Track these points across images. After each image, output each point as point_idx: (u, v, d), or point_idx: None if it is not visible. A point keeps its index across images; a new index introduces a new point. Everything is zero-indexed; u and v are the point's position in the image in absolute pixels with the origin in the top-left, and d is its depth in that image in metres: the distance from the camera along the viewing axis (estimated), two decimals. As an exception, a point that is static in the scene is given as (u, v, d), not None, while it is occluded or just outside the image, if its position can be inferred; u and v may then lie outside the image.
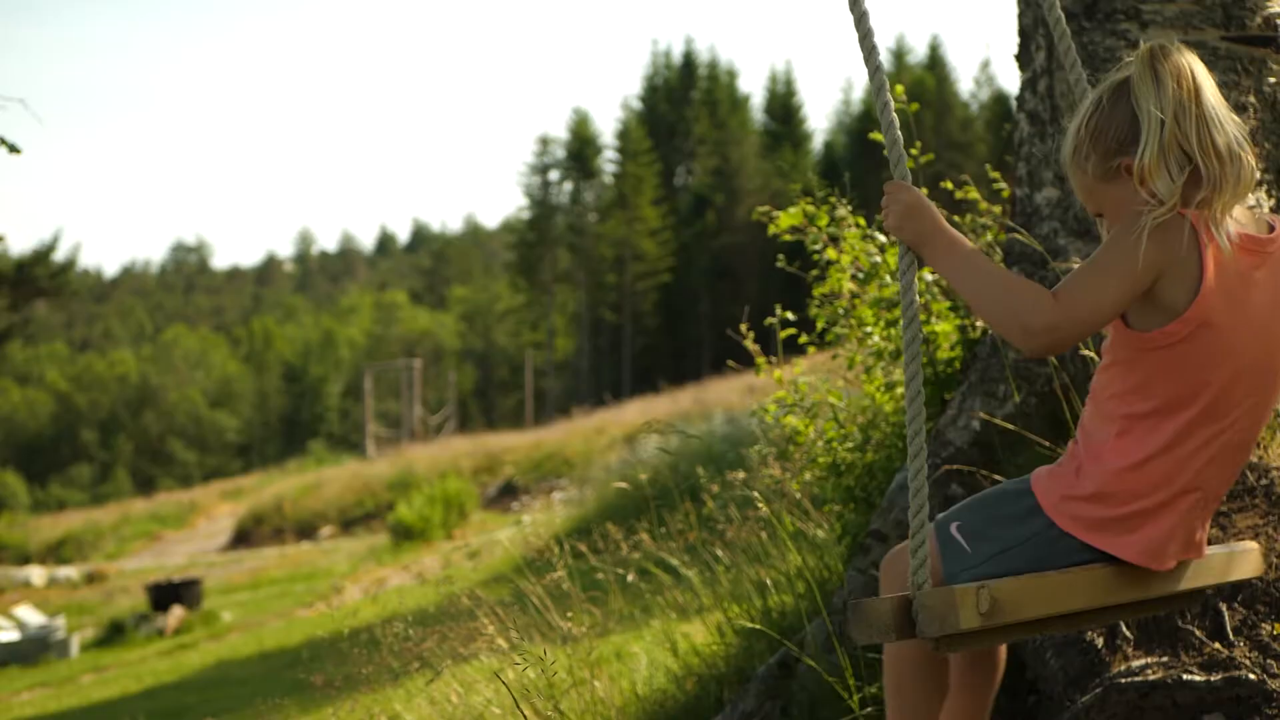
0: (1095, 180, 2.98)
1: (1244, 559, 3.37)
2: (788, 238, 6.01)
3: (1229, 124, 2.86)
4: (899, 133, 3.01)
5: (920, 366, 2.94)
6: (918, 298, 3.03)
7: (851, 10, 3.10)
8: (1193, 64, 2.88)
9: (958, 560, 3.04)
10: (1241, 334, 2.89)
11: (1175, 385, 2.89)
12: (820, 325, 6.01)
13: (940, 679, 3.17)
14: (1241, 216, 2.94)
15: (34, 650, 23.26)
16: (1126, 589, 3.03)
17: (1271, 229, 2.98)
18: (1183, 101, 2.82)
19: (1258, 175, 2.93)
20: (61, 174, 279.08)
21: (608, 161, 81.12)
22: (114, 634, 23.99)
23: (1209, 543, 3.21)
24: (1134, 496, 2.93)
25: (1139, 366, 2.91)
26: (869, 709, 4.24)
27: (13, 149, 8.00)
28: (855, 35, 3.08)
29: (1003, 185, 5.83)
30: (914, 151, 5.98)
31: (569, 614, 6.13)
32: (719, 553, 6.81)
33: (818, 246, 5.91)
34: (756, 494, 5.50)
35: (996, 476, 4.57)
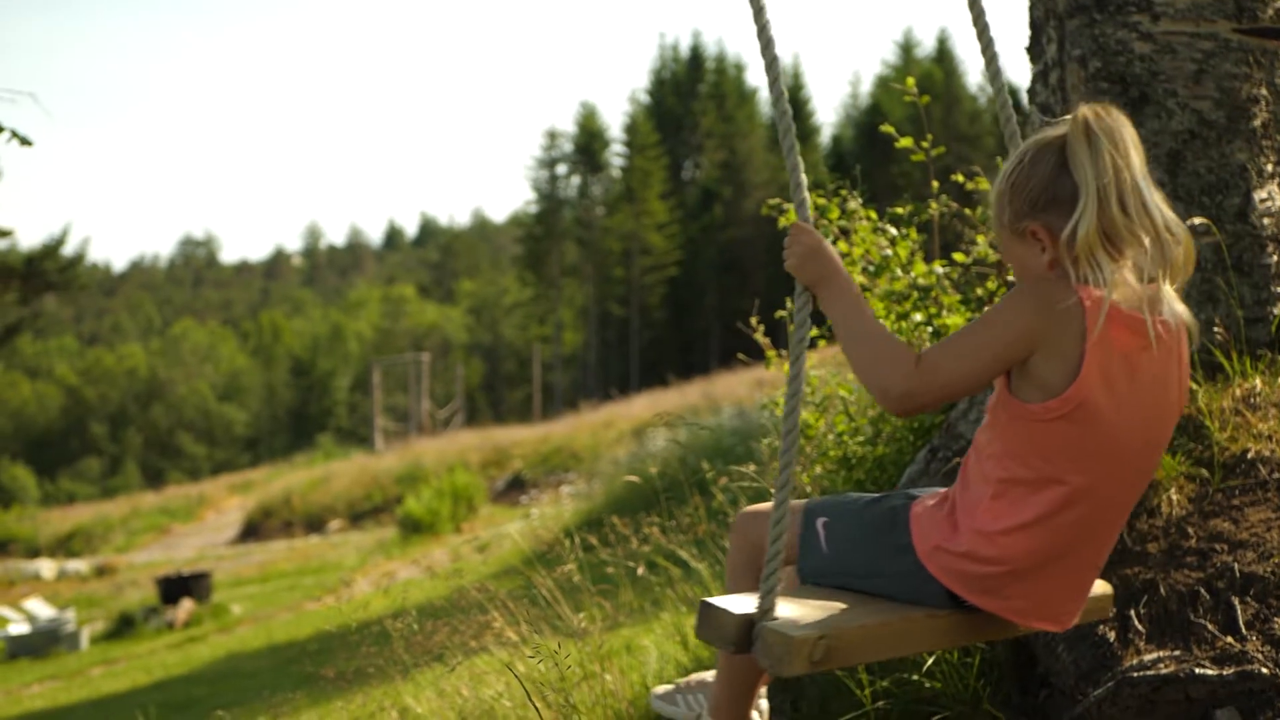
0: (1007, 234, 2.97)
1: (1100, 604, 3.39)
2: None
3: (1161, 203, 2.85)
4: (803, 176, 3.04)
5: (799, 402, 2.99)
6: (809, 334, 3.07)
7: (760, 40, 3.14)
8: (1127, 132, 2.85)
9: (812, 555, 3.15)
10: (1122, 417, 2.88)
11: (1051, 459, 2.89)
12: (831, 318, 6.00)
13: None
14: (1139, 292, 2.88)
15: (44, 643, 23.30)
16: (971, 635, 3.11)
17: (1171, 312, 2.93)
18: (1120, 176, 2.80)
19: (1185, 262, 2.89)
20: (70, 168, 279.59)
21: (615, 155, 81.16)
22: (124, 627, 24.01)
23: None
24: (1004, 560, 2.94)
25: (1018, 434, 2.91)
26: (880, 703, 4.24)
27: (24, 142, 8.02)
28: (767, 84, 3.10)
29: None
30: (925, 144, 5.97)
31: (579, 608, 6.13)
32: (728, 546, 6.79)
33: (828, 239, 5.89)
34: (771, 488, 5.49)
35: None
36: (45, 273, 45.62)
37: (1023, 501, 2.91)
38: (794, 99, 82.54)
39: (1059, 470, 2.89)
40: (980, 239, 5.81)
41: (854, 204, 5.94)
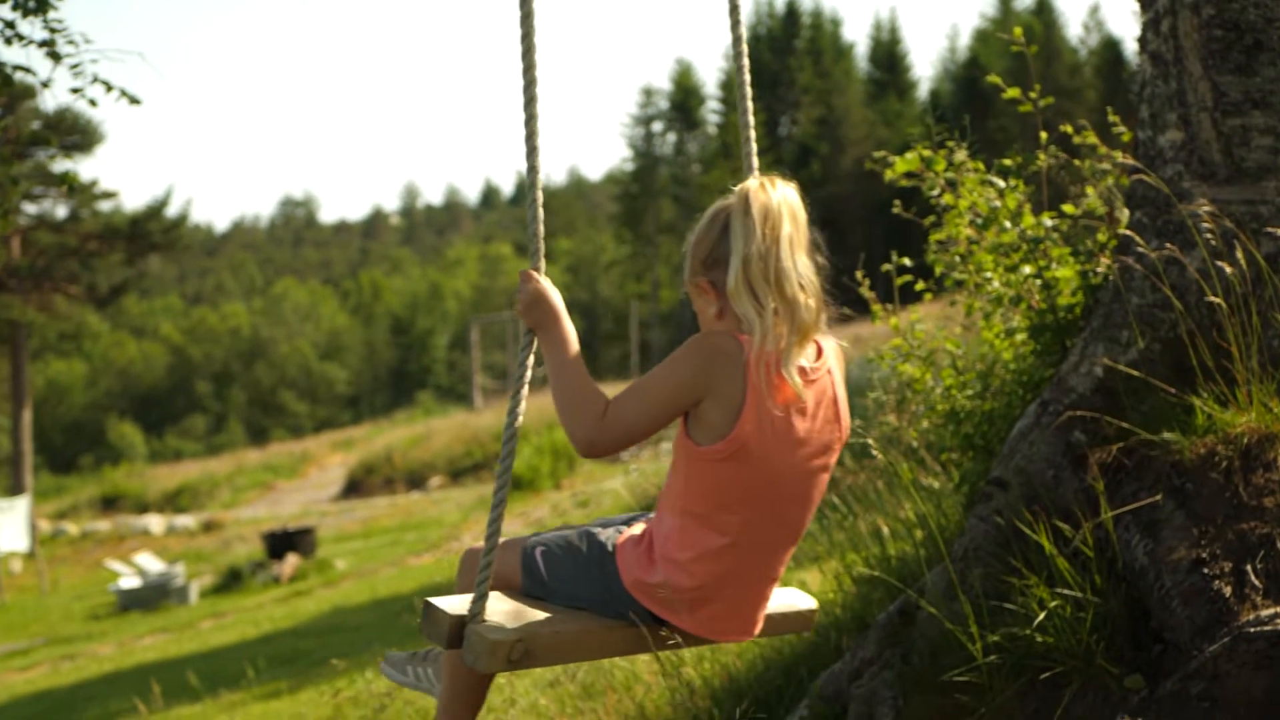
0: (689, 287, 3.43)
1: (800, 619, 3.81)
2: (904, 183, 5.96)
3: (806, 268, 3.32)
4: (540, 225, 3.38)
5: (516, 431, 3.40)
6: (530, 370, 3.40)
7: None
8: (783, 207, 3.32)
9: (534, 583, 3.52)
10: (782, 455, 3.29)
11: (721, 495, 3.28)
12: (939, 271, 5.95)
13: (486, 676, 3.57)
14: (791, 343, 3.27)
15: (155, 596, 23.71)
16: (662, 644, 3.47)
17: (819, 353, 3.40)
18: (765, 245, 3.25)
19: (818, 318, 3.32)
20: (172, 130, 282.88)
21: (711, 112, 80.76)
22: (231, 581, 24.37)
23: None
24: (691, 585, 3.34)
25: (693, 472, 3.30)
26: (992, 656, 4.22)
27: (133, 100, 8.10)
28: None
29: (1122, 129, 5.72)
30: (1033, 94, 5.90)
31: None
32: (835, 500, 6.79)
33: (935, 192, 5.85)
34: (873, 443, 5.47)
35: (1123, 424, 4.52)
36: (150, 234, 46.25)
37: (703, 532, 3.31)
38: (891, 53, 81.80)
39: (730, 503, 3.29)
40: (1090, 190, 5.74)
41: (960, 155, 5.88)
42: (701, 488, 3.30)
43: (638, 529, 3.50)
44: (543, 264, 3.42)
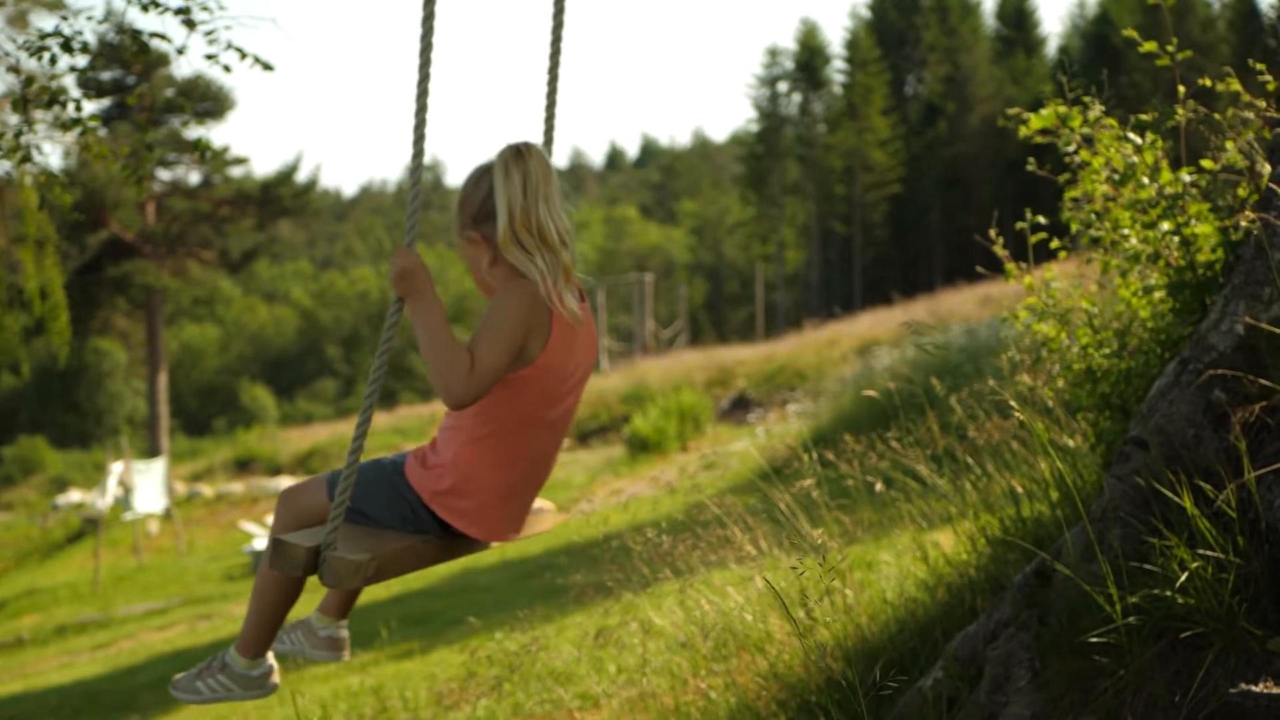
0: (461, 240, 3.94)
1: (542, 518, 4.38)
2: (1038, 140, 5.89)
3: (560, 218, 3.86)
4: (418, 206, 3.81)
5: (380, 384, 3.81)
6: (386, 361, 3.84)
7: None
8: (539, 168, 3.81)
9: (347, 514, 3.91)
10: (563, 379, 3.89)
11: (514, 413, 3.85)
12: (1075, 229, 5.87)
13: (298, 587, 4.06)
14: (558, 282, 3.86)
15: (286, 558, 24.11)
16: (467, 549, 4.10)
17: (583, 297, 4.01)
18: (525, 197, 3.78)
19: (574, 260, 3.93)
20: (303, 96, 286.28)
21: (836, 72, 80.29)
22: (361, 543, 24.72)
23: None
24: (478, 494, 3.91)
25: (495, 395, 3.81)
26: (1131, 618, 4.17)
27: (266, 66, 8.20)
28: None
29: (1267, 77, 5.58)
30: (1170, 48, 5.78)
31: (817, 523, 6.13)
32: (969, 460, 6.74)
33: (1071, 148, 5.76)
34: (1012, 401, 5.42)
35: (1265, 383, 4.44)
36: (280, 199, 46.87)
37: (495, 448, 3.87)
38: (1019, 9, 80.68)
39: (521, 419, 3.86)
40: (1230, 144, 5.62)
41: (1095, 112, 5.79)
42: (497, 410, 3.83)
43: (416, 458, 4.02)
44: (416, 241, 3.82)
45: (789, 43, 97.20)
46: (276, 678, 4.24)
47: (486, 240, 3.87)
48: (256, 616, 4.11)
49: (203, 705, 4.25)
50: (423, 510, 3.95)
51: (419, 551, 3.93)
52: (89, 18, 8.60)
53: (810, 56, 79.82)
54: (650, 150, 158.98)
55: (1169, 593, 4.10)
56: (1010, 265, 6.16)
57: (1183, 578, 4.07)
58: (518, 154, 3.83)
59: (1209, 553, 4.07)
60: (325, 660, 4.35)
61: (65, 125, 8.89)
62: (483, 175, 3.90)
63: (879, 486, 6.51)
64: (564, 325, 3.84)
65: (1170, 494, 4.31)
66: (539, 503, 4.38)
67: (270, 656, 4.22)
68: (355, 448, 3.76)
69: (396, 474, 3.99)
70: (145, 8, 8.25)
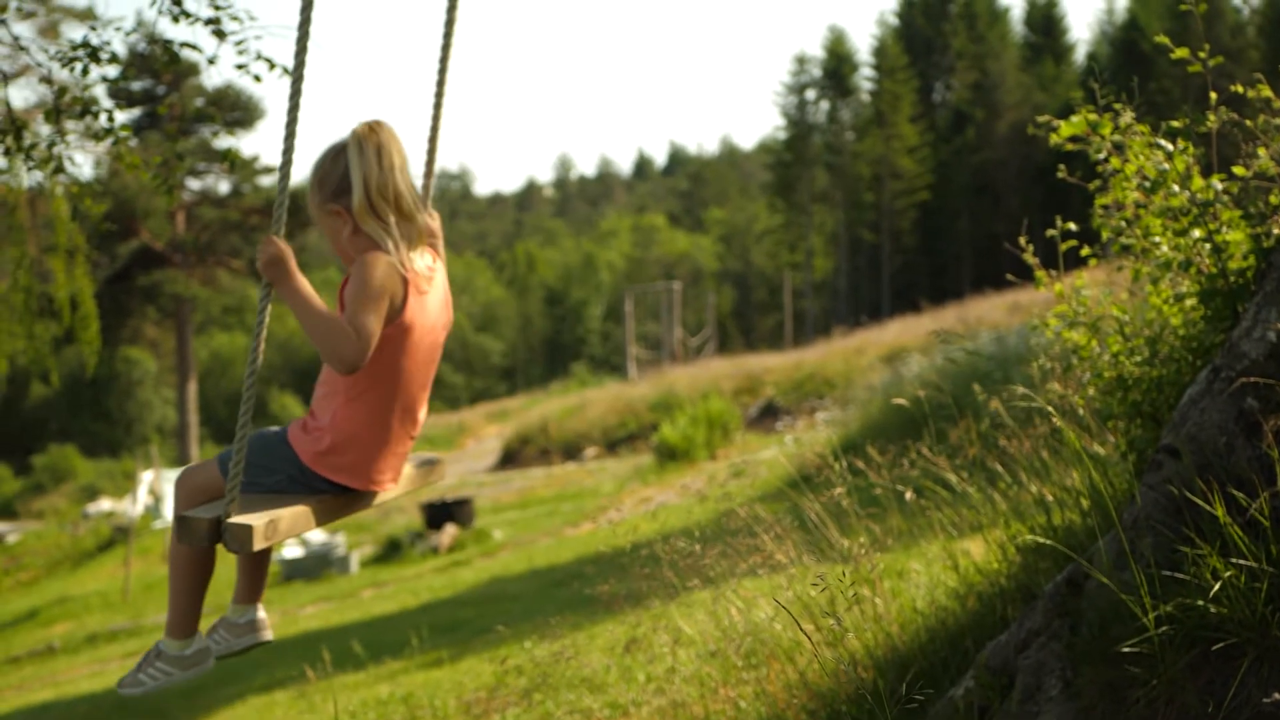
0: (320, 213, 4.16)
1: (435, 470, 4.77)
2: (1069, 147, 5.86)
3: (407, 188, 4.12)
4: (286, 197, 3.95)
5: (258, 365, 4.05)
6: (263, 343, 4.06)
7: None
8: (391, 142, 4.09)
9: (241, 486, 4.12)
10: (423, 335, 4.17)
11: (382, 370, 4.11)
12: (1105, 236, 5.85)
13: (210, 561, 4.26)
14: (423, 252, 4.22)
15: (316, 566, 24.18)
16: (358, 505, 4.34)
17: (435, 258, 4.29)
18: (380, 170, 4.05)
19: (425, 226, 4.21)
20: (330, 105, 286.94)
21: (864, 79, 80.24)
22: (391, 551, 24.78)
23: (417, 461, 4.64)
24: (357, 448, 4.18)
25: None
26: (1163, 627, 4.15)
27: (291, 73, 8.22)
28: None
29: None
30: (1201, 54, 5.75)
31: (846, 531, 6.11)
32: (999, 468, 6.71)
33: (1101, 155, 5.74)
34: (1049, 407, 5.40)
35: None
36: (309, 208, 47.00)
37: (369, 404, 4.14)
38: (1047, 16, 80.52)
39: (390, 376, 4.14)
40: (1262, 151, 5.59)
41: (1126, 119, 5.76)
42: (367, 370, 4.06)
43: (298, 425, 4.27)
44: (283, 230, 4.01)
45: (817, 50, 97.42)
46: (212, 654, 4.42)
47: (346, 211, 4.11)
48: (178, 597, 4.31)
49: (150, 693, 4.42)
50: (309, 472, 4.20)
51: (313, 509, 4.17)
52: (118, 28, 8.65)
53: (838, 64, 79.78)
54: (678, 158, 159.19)
55: (1201, 602, 4.08)
56: (1041, 272, 6.13)
57: (1215, 587, 4.04)
58: (370, 130, 4.10)
59: (1242, 561, 4.05)
60: (252, 644, 4.54)
61: (97, 135, 8.94)
62: (339, 152, 4.15)
63: (909, 495, 6.49)
64: (417, 286, 4.12)
65: (1203, 502, 4.29)
66: (430, 455, 4.79)
67: (200, 635, 4.40)
68: (243, 424, 4.00)
69: (281, 443, 4.23)
70: (176, 18, 8.29)
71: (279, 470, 4.22)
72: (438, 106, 4.71)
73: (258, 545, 3.92)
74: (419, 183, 4.39)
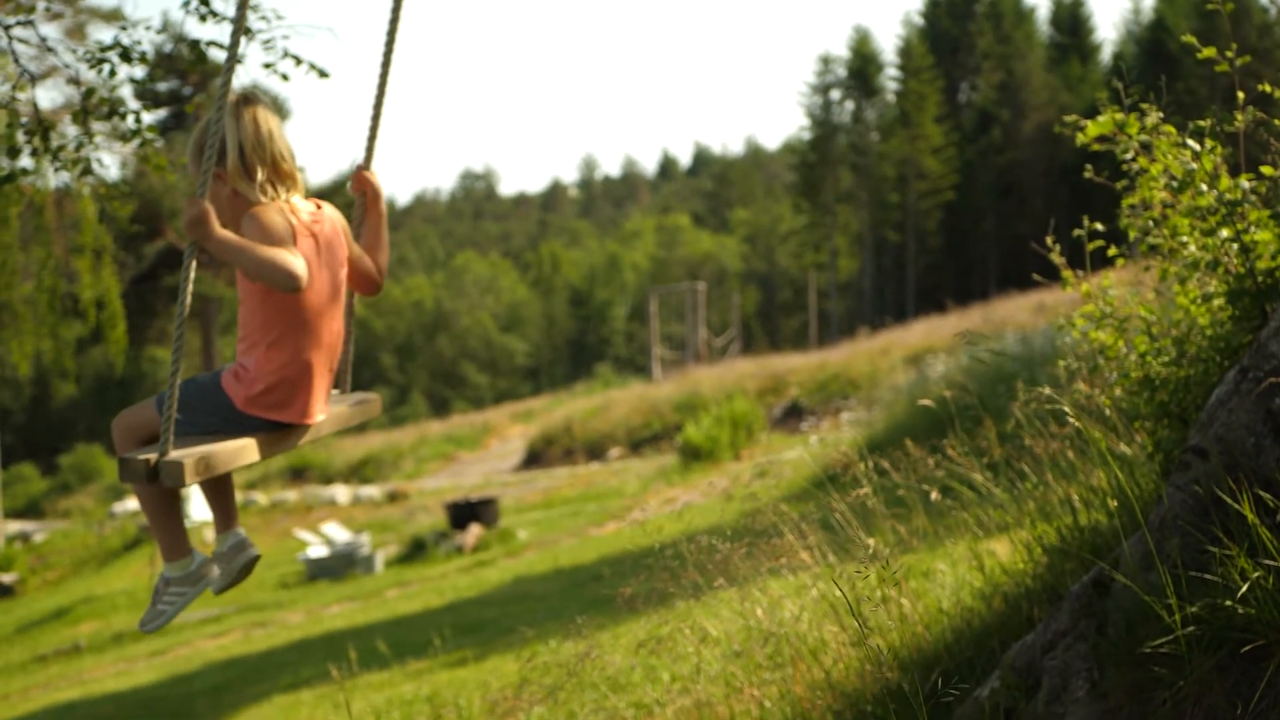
0: (203, 180, 4.24)
1: (369, 407, 5.14)
2: (1095, 147, 5.84)
3: (285, 150, 4.45)
4: (212, 162, 4.18)
5: (184, 328, 4.27)
6: (190, 295, 4.28)
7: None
8: (261, 110, 4.44)
9: (176, 424, 4.36)
10: (319, 277, 4.46)
11: (287, 316, 4.43)
12: (1132, 236, 5.83)
13: (175, 494, 4.53)
14: (305, 201, 4.52)
15: (342, 565, 24.23)
16: (291, 439, 4.64)
17: (318, 207, 4.54)
18: (254, 135, 4.38)
19: (299, 179, 4.50)
20: (356, 104, 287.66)
21: (890, 79, 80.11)
22: (415, 551, 24.80)
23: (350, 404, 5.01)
24: (284, 386, 4.49)
25: (264, 307, 4.42)
26: (1190, 628, 4.13)
27: (322, 74, 8.25)
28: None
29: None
30: (1229, 54, 5.72)
31: (872, 531, 6.10)
32: (1025, 469, 6.70)
33: (1128, 155, 5.72)
34: (1069, 409, 5.38)
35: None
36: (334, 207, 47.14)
37: (281, 347, 4.44)
38: (1074, 16, 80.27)
39: (299, 318, 4.44)
40: (1290, 150, 5.56)
41: (1153, 118, 5.74)
42: (278, 317, 4.40)
43: (228, 372, 4.54)
44: (205, 190, 4.17)
45: (842, 50, 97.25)
46: (212, 565, 4.69)
47: (225, 173, 4.39)
48: (160, 529, 4.61)
49: (176, 618, 4.71)
50: (243, 415, 4.49)
51: (245, 446, 4.44)
52: (147, 28, 8.68)
53: (863, 64, 79.64)
54: (703, 158, 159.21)
55: (1229, 603, 4.06)
56: (1067, 272, 6.11)
57: (1243, 588, 4.03)
58: (244, 100, 4.45)
59: (1270, 562, 4.03)
60: (246, 562, 4.78)
61: (124, 136, 8.98)
62: (215, 122, 4.36)
63: (934, 495, 6.48)
64: (305, 229, 4.40)
65: (1231, 502, 4.27)
66: (365, 394, 5.20)
67: (197, 552, 4.67)
68: (174, 370, 4.25)
69: (215, 388, 4.52)
70: (203, 18, 8.32)
71: (214, 413, 4.50)
72: (385, 66, 5.01)
73: (189, 480, 4.19)
74: (364, 145, 4.96)
